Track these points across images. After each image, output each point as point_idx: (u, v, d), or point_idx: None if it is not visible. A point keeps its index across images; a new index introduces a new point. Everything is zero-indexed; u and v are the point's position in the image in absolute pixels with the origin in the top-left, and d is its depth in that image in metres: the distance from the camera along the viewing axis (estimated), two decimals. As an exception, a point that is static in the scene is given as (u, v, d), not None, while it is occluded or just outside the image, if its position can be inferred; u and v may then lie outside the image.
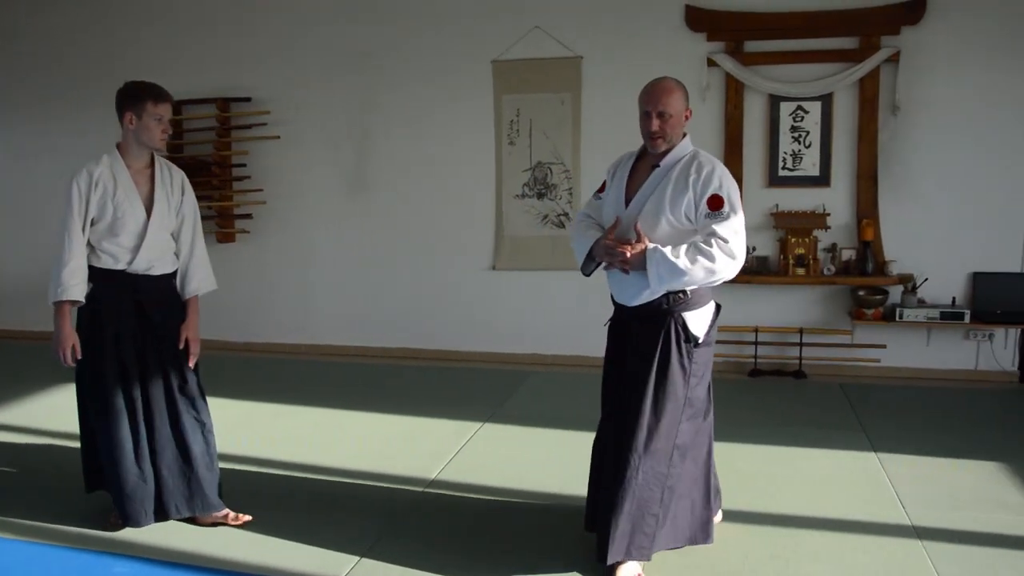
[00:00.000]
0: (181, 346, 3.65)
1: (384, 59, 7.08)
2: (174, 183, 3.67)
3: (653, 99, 3.21)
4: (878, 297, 6.21)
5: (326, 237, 7.41)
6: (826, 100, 6.34)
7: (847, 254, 6.34)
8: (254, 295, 7.63)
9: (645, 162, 3.33)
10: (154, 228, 3.54)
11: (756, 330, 6.48)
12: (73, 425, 3.82)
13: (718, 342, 6.52)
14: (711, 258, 3.00)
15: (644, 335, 3.21)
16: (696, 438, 3.27)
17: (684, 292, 3.14)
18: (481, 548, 3.55)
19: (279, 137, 7.28)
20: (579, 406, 5.77)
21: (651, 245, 3.07)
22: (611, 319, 3.50)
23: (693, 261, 3.00)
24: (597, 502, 3.33)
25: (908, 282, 6.22)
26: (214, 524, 3.72)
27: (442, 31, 6.94)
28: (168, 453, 3.60)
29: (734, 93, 6.46)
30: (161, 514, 3.64)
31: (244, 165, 7.44)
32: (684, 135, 3.27)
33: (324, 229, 7.41)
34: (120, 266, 3.52)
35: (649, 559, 3.22)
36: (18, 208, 8.10)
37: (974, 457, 4.54)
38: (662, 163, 3.22)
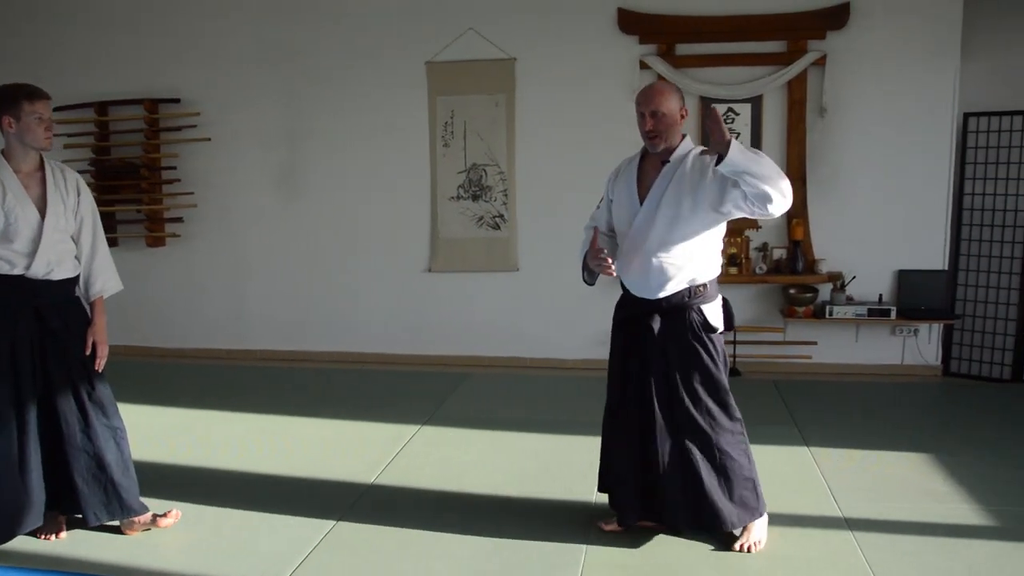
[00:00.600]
0: (88, 351, 3.55)
1: (316, 60, 7.00)
2: (68, 184, 3.56)
3: (647, 100, 3.35)
4: (808, 295, 6.34)
5: (259, 240, 7.30)
6: (756, 102, 6.45)
7: (778, 253, 6.46)
8: (186, 300, 7.48)
9: (650, 163, 3.46)
10: (49, 231, 3.43)
11: (690, 329, 6.56)
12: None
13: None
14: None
15: (670, 327, 3.39)
16: None
17: (704, 286, 3.40)
18: (429, 538, 3.61)
19: (210, 139, 7.15)
20: (516, 407, 5.82)
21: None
22: (623, 316, 3.58)
23: (761, 156, 3.16)
24: (653, 486, 3.48)
25: (837, 280, 6.36)
26: (145, 530, 3.66)
27: (375, 32, 6.89)
28: (81, 461, 3.51)
29: (666, 95, 6.53)
30: (63, 529, 3.63)
31: (174, 167, 7.29)
32: (684, 136, 3.41)
33: (257, 232, 7.30)
34: (17, 271, 3.41)
35: (763, 513, 3.51)
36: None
37: (902, 449, 4.68)
38: (672, 158, 3.36)
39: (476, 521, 3.80)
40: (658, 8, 6.46)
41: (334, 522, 3.80)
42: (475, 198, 6.87)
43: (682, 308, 3.38)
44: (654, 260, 3.35)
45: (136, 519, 3.64)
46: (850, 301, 6.34)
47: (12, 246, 3.39)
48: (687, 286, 3.37)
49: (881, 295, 6.39)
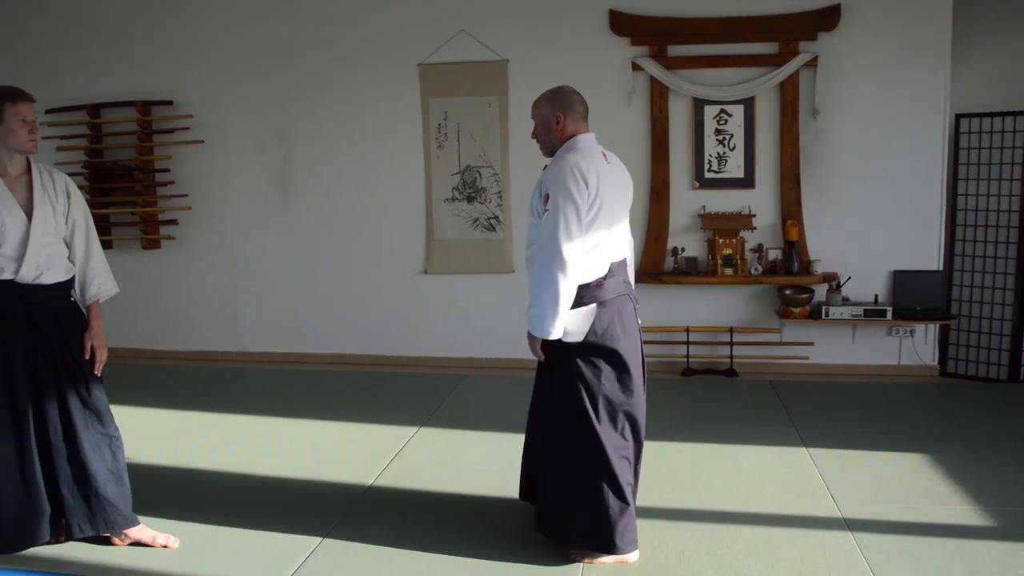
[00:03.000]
0: (87, 355, 3.50)
1: (309, 61, 6.99)
2: (57, 187, 3.51)
3: None
4: (804, 296, 6.34)
5: (254, 242, 7.28)
6: (748, 104, 6.45)
7: (773, 254, 6.47)
8: (181, 302, 7.46)
9: None
10: (36, 234, 3.39)
11: (687, 330, 6.57)
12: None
13: (650, 342, 6.61)
14: (539, 277, 3.26)
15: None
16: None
17: None
18: (428, 540, 3.62)
19: (203, 141, 7.13)
20: (513, 408, 5.77)
21: None
22: None
23: (536, 294, 3.27)
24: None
25: (832, 281, 6.37)
26: (136, 544, 3.58)
27: (367, 34, 6.88)
28: (68, 471, 3.45)
29: (659, 97, 6.54)
30: (63, 534, 3.54)
31: (168, 170, 7.26)
32: (572, 138, 3.45)
33: (252, 234, 7.28)
34: (6, 276, 3.37)
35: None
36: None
37: (900, 449, 4.68)
38: (547, 165, 3.49)
39: (476, 523, 3.80)
40: (650, 10, 6.47)
41: (332, 525, 3.79)
42: (470, 200, 6.85)
43: None
44: (525, 259, 3.45)
45: (125, 531, 3.57)
46: (846, 302, 6.35)
47: (1, 250, 3.35)
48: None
49: (877, 296, 6.40)
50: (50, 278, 3.45)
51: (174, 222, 7.32)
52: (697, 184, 6.56)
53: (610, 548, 3.36)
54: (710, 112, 6.49)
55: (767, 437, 4.93)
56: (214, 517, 3.88)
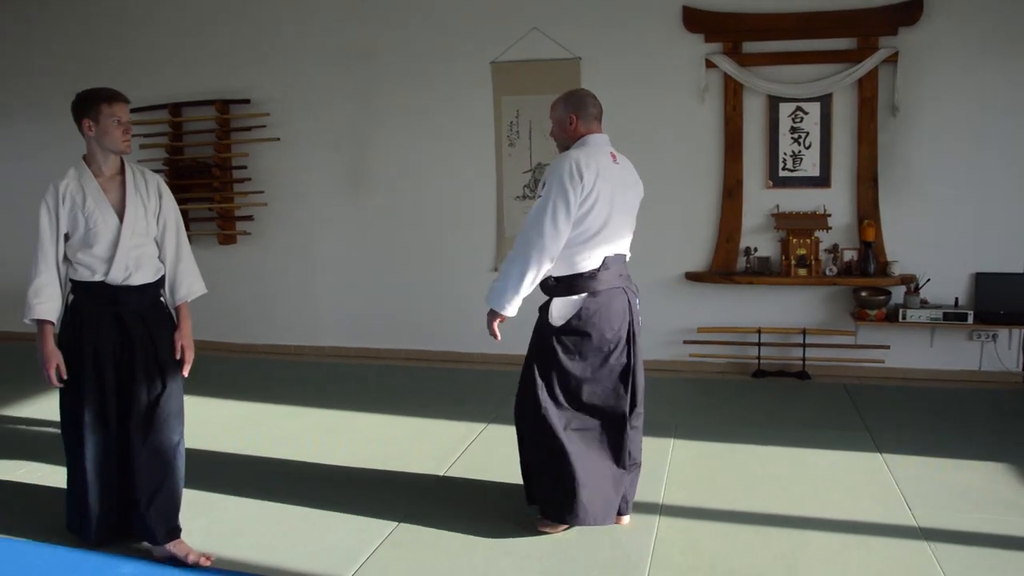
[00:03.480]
0: (178, 355, 3.51)
1: (383, 60, 7.08)
2: (149, 188, 3.52)
3: None
4: (880, 298, 6.20)
5: (328, 238, 7.41)
6: (825, 101, 6.32)
7: (849, 255, 6.33)
8: (256, 296, 7.62)
9: None
10: (127, 235, 3.39)
11: (759, 331, 6.47)
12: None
13: (721, 343, 6.54)
14: (514, 253, 3.47)
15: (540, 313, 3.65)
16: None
17: (551, 280, 3.54)
18: (497, 530, 3.68)
19: (279, 139, 7.28)
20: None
21: None
22: None
23: (505, 268, 3.51)
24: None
25: (910, 283, 6.20)
26: (170, 559, 3.45)
27: (440, 32, 6.94)
28: (141, 473, 3.42)
29: (733, 94, 6.45)
30: (125, 534, 3.56)
31: (245, 167, 7.44)
32: (581, 139, 3.58)
33: (325, 230, 7.41)
34: (97, 277, 3.39)
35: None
36: (12, 207, 7.96)
37: (980, 458, 4.52)
38: None
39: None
40: (724, 6, 6.38)
41: (400, 518, 3.84)
42: (540, 198, 6.85)
43: (545, 299, 3.59)
44: None
45: (164, 545, 3.46)
46: (924, 304, 6.18)
47: (92, 251, 3.38)
48: (543, 278, 3.52)
49: (957, 299, 6.22)
50: (139, 279, 3.47)
51: (250, 218, 7.49)
52: (771, 183, 6.46)
53: (568, 518, 3.51)
54: (785, 110, 6.38)
55: (840, 441, 4.83)
56: (290, 503, 3.99)
